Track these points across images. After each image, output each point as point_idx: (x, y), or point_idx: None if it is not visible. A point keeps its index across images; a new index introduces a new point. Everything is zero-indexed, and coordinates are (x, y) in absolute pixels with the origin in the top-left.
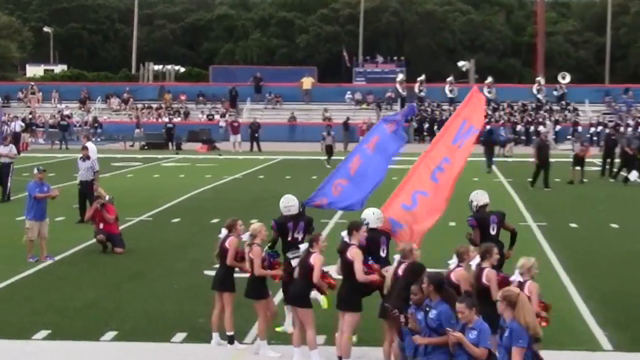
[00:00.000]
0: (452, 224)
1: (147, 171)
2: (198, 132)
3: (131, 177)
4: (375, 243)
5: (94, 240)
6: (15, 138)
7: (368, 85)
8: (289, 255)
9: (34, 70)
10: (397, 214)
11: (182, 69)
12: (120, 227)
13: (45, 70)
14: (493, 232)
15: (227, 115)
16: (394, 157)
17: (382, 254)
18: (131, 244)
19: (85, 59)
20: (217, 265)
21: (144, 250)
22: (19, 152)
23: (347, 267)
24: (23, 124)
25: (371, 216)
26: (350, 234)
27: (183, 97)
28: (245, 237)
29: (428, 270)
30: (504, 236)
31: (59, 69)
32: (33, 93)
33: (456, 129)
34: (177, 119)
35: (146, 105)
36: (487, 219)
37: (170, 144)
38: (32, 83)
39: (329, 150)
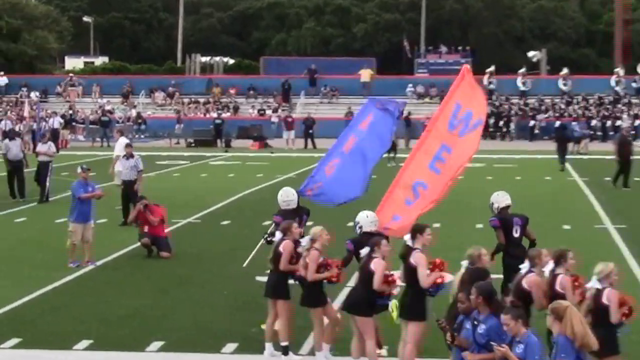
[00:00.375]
0: None
1: (194, 170)
2: (249, 128)
3: (177, 177)
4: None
5: (139, 243)
6: (54, 135)
7: (431, 77)
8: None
9: (73, 63)
10: (402, 211)
11: (231, 61)
12: (167, 230)
13: (85, 63)
14: (516, 235)
15: (279, 110)
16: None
17: None
18: (178, 248)
19: (128, 50)
20: (270, 271)
21: (192, 255)
22: (58, 150)
23: (410, 273)
24: (62, 120)
25: (365, 219)
26: (413, 237)
27: (232, 91)
28: (305, 241)
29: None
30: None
31: (99, 61)
32: (72, 86)
33: (450, 113)
34: (226, 114)
35: (193, 99)
36: (510, 220)
37: (218, 141)
38: (72, 75)
39: (392, 147)
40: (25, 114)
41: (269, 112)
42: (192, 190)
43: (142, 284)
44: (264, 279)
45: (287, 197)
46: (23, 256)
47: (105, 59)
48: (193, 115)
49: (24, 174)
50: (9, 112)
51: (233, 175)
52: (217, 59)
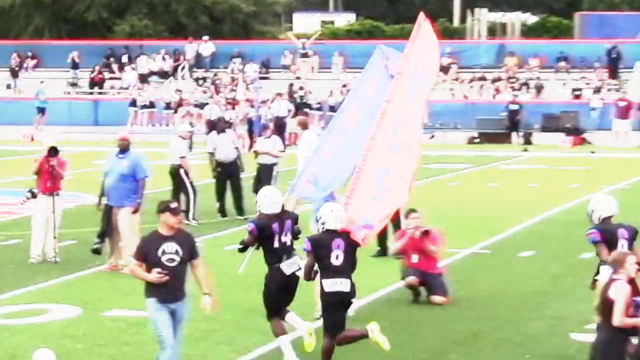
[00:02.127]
0: None
1: (478, 177)
2: (558, 117)
3: (455, 187)
4: (325, 247)
5: (401, 283)
6: (279, 126)
7: None
8: (284, 267)
9: (305, 22)
10: (371, 211)
11: (533, 19)
12: (441, 264)
13: (323, 22)
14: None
15: (603, 90)
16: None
17: (336, 262)
18: (457, 291)
19: (383, 4)
20: (596, 325)
21: (478, 300)
22: (285, 148)
23: None
24: (291, 105)
25: (329, 214)
26: None
27: (534, 62)
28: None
29: None
30: None
31: (342, 19)
32: (304, 56)
33: (410, 76)
34: (525, 97)
35: (477, 75)
36: (614, 232)
37: (514, 134)
38: (304, 40)
39: None
40: (239, 96)
41: (587, 93)
42: (476, 207)
43: (410, 341)
44: (585, 338)
45: (273, 197)
46: (246, 300)
47: (351, 17)
48: (477, 98)
49: (241, 181)
50: (215, 93)
51: (536, 186)
52: (512, 15)
